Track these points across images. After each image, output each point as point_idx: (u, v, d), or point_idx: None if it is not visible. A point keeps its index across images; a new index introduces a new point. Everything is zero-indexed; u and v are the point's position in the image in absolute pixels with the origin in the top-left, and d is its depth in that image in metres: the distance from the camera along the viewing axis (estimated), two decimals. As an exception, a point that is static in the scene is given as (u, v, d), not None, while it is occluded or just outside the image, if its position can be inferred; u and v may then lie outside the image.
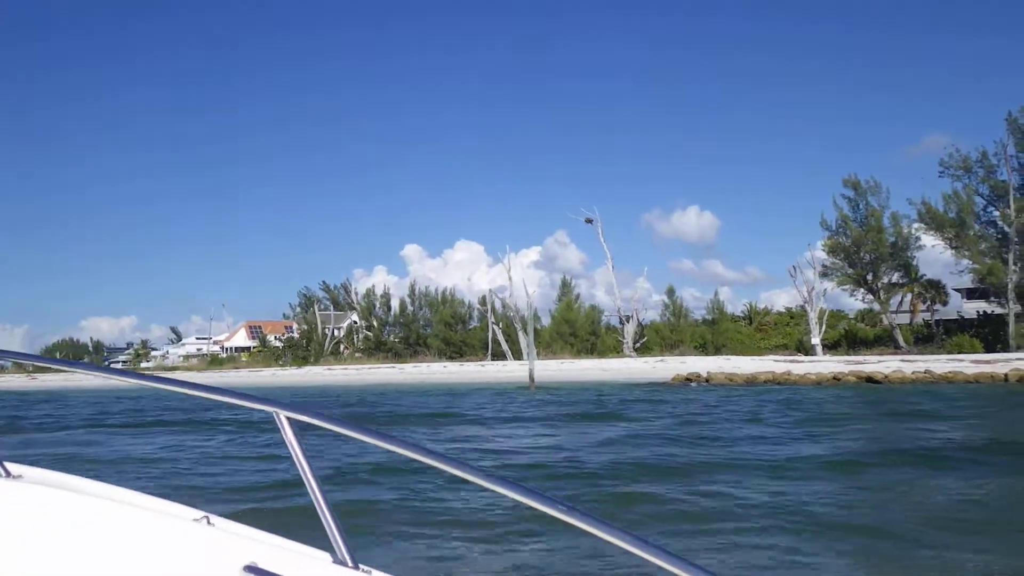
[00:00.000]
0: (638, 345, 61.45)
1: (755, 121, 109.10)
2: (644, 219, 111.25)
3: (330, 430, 1.59)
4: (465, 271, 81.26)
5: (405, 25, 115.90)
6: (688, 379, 34.20)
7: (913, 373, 29.58)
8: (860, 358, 42.75)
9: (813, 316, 51.50)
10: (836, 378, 30.57)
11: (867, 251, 50.94)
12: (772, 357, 47.71)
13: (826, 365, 37.86)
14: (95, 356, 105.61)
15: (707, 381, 33.60)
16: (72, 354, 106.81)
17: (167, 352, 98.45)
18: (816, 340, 50.70)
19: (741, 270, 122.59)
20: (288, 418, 1.60)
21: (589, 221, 63.80)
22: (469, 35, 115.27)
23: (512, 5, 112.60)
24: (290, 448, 1.60)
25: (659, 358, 51.36)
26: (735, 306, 66.53)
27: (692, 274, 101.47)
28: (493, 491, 1.40)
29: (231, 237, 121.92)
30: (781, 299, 66.87)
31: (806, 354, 50.47)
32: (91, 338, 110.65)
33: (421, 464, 1.47)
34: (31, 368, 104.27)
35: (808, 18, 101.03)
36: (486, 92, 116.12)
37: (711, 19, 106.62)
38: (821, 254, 53.17)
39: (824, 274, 52.48)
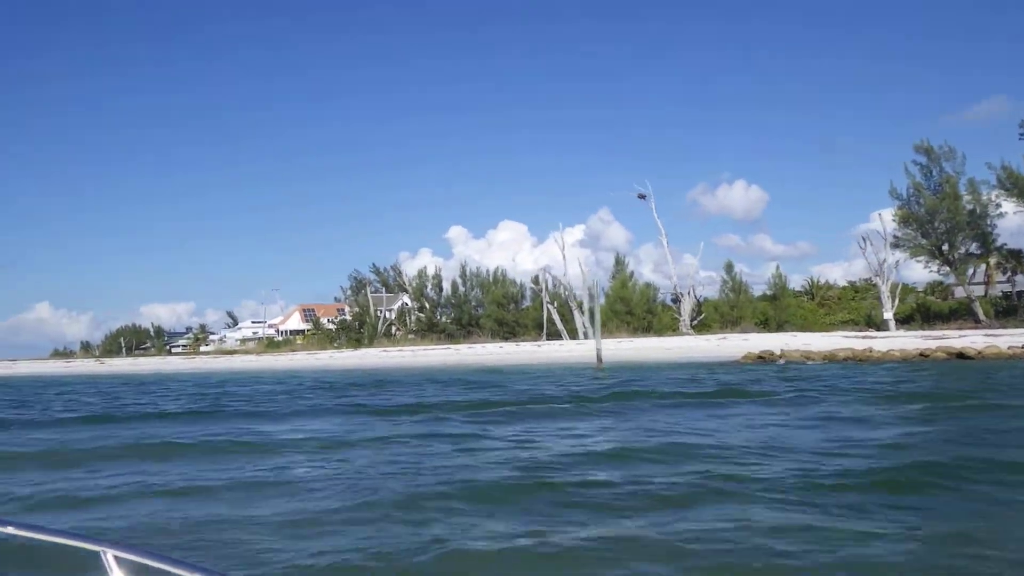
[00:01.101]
0: (695, 323, 59.86)
1: (802, 92, 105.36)
2: (689, 195, 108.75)
3: (159, 569, 1.41)
4: (509, 251, 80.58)
5: (448, 4, 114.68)
6: (761, 357, 32.74)
7: (1010, 348, 27.66)
8: (938, 333, 40.55)
9: (885, 290, 49.18)
10: (923, 355, 28.80)
11: (942, 220, 48.28)
12: (841, 333, 45.70)
13: (906, 341, 35.88)
14: (157, 341, 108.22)
15: (781, 359, 32.12)
16: (135, 339, 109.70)
17: (224, 336, 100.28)
18: (889, 315, 48.46)
19: (790, 244, 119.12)
20: (116, 557, 1.44)
21: (643, 196, 62.16)
22: (509, 13, 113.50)
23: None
24: None
25: (720, 335, 49.75)
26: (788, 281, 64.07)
27: (739, 249, 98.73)
28: None
29: (282, 224, 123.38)
30: (833, 273, 64.46)
31: (877, 329, 48.29)
32: (152, 324, 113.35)
33: None
34: (98, 352, 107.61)
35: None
36: (524, 69, 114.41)
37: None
38: (889, 224, 50.66)
39: (896, 245, 49.98)
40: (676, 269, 60.71)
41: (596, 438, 10.46)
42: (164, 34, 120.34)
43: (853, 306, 58.62)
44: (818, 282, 64.59)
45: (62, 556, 5.67)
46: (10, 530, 1.58)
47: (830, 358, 30.95)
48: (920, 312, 51.32)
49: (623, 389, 18.77)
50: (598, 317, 32.15)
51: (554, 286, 63.55)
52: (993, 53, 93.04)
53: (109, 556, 1.46)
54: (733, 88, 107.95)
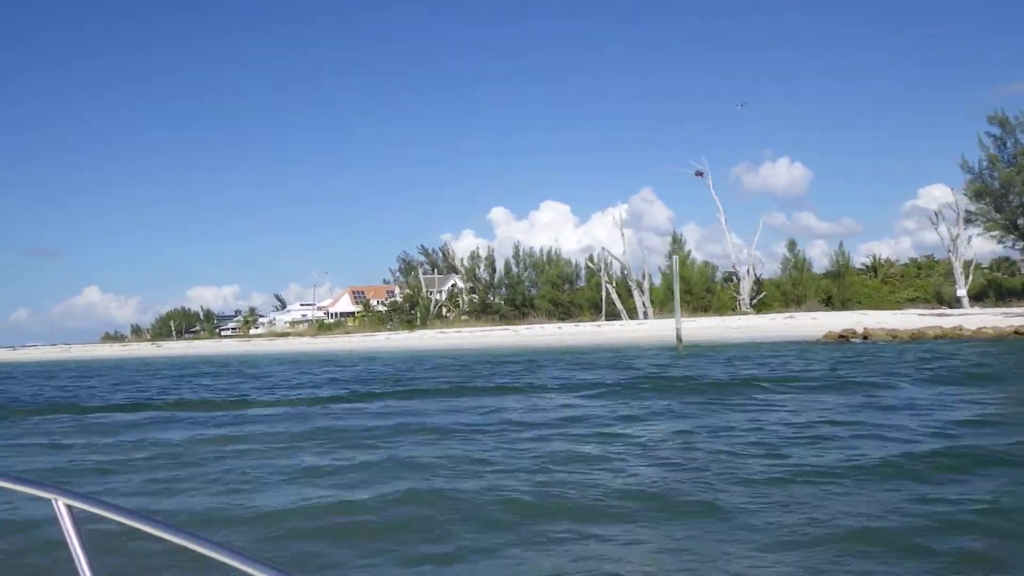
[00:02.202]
0: (754, 301, 59.14)
1: (844, 64, 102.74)
2: (732, 173, 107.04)
3: (114, 520, 1.41)
4: (552, 232, 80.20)
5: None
6: (843, 336, 32.18)
7: (1113, 325, 26.81)
8: (1019, 310, 39.49)
9: (958, 266, 47.94)
10: (1019, 332, 28.05)
11: (1017, 193, 46.80)
12: (913, 311, 44.77)
13: (986, 318, 35.00)
14: (207, 324, 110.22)
15: (864, 338, 31.53)
16: (185, 322, 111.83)
17: (274, 319, 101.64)
18: (962, 292, 47.31)
19: (836, 221, 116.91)
20: (67, 505, 1.43)
21: (700, 174, 61.30)
22: (548, 5, 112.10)
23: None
24: (68, 540, 1.41)
25: (787, 314, 49.04)
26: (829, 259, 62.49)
27: (783, 228, 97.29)
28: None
29: (324, 207, 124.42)
30: (882, 250, 62.94)
31: (949, 307, 47.19)
32: (201, 307, 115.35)
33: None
34: (149, 335, 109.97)
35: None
36: (561, 51, 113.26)
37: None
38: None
39: (968, 220, 48.62)
40: (718, 247, 60.12)
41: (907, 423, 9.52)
42: (218, 18, 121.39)
43: (918, 283, 57.38)
44: (879, 259, 63.30)
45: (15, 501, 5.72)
46: None
47: (918, 336, 30.30)
48: (992, 288, 50.02)
49: (751, 373, 18.51)
50: (677, 295, 31.82)
51: (604, 266, 63.22)
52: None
53: (60, 504, 1.44)
54: (772, 61, 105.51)
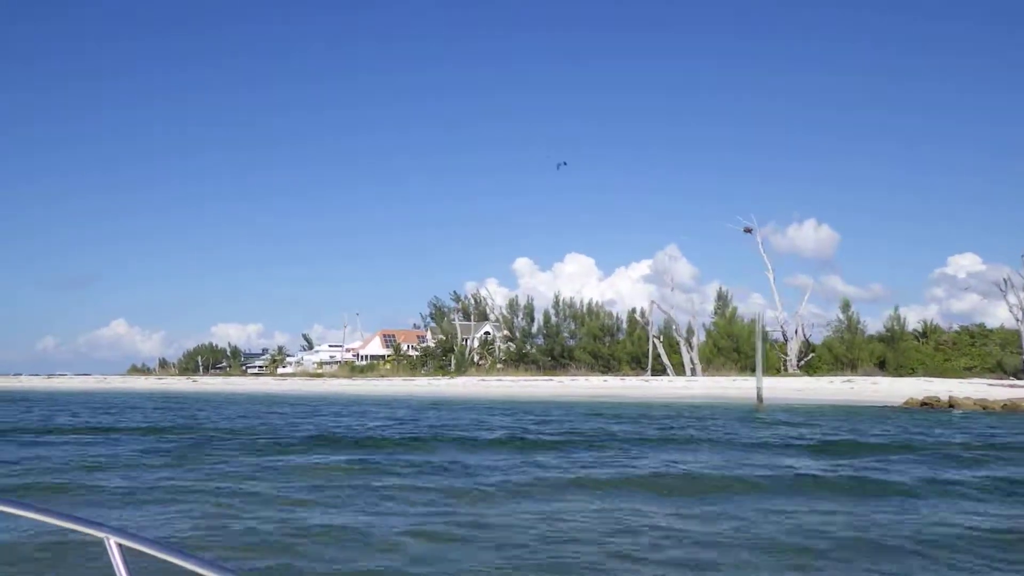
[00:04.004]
0: (801, 363, 57.73)
1: (879, 132, 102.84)
2: (760, 233, 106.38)
3: (166, 560, 1.46)
4: (576, 284, 79.56)
5: (525, 36, 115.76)
6: (927, 403, 30.83)
7: None
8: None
9: (1027, 335, 46.43)
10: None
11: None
12: (980, 381, 43.21)
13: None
14: (233, 361, 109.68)
15: (950, 407, 30.15)
16: (212, 359, 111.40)
17: (302, 359, 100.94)
18: (1031, 362, 45.68)
19: (864, 286, 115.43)
20: (118, 544, 1.48)
21: (748, 231, 60.63)
22: (583, 50, 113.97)
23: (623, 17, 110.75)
24: None
25: (844, 377, 47.59)
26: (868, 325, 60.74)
27: (806, 290, 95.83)
28: None
29: (351, 250, 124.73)
30: (911, 316, 61.56)
31: (1016, 377, 45.60)
32: (228, 343, 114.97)
33: None
34: (176, 370, 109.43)
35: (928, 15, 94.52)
36: (592, 104, 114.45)
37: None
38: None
39: (1037, 289, 47.32)
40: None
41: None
42: (264, 49, 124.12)
43: (973, 352, 55.76)
44: (930, 324, 61.77)
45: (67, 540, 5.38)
46: (18, 511, 1.62)
47: (1012, 408, 28.89)
48: (1058, 360, 48.39)
49: (885, 440, 17.35)
50: (760, 353, 30.69)
51: (644, 322, 62.12)
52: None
53: (112, 542, 1.48)
54: (807, 120, 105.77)
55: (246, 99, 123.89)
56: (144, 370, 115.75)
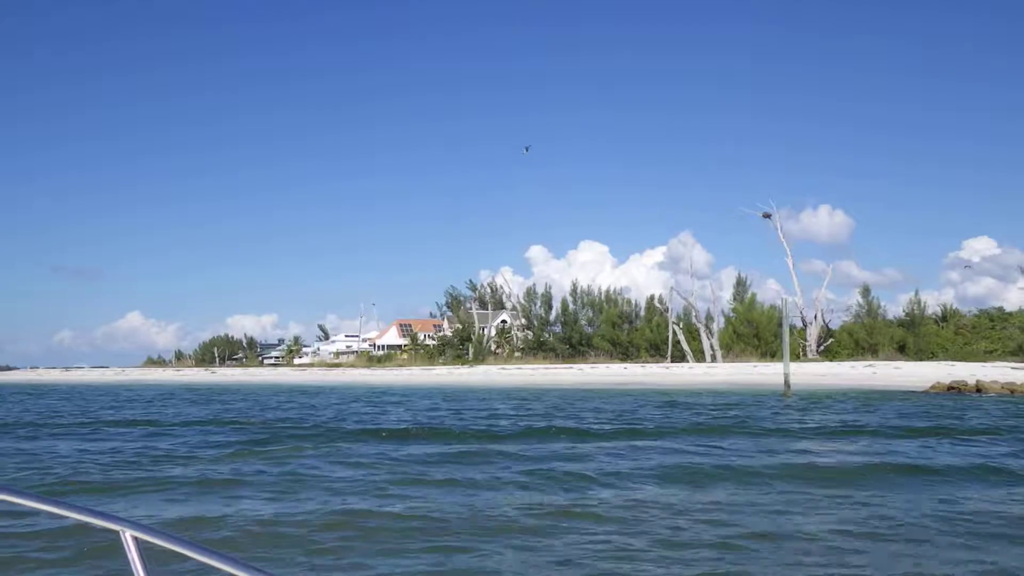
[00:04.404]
0: (821, 348, 57.87)
1: (890, 117, 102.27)
2: (774, 217, 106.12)
3: (180, 553, 1.48)
4: (590, 272, 79.66)
5: (533, 29, 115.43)
6: (954, 388, 31.00)
7: None
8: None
9: (1051, 319, 46.34)
10: None
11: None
12: (1004, 364, 43.26)
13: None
14: (249, 352, 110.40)
15: (978, 391, 30.31)
16: (228, 350, 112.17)
17: (318, 349, 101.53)
18: (1055, 345, 45.66)
19: (878, 271, 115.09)
20: (134, 537, 1.50)
21: (767, 216, 60.76)
22: (590, 42, 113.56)
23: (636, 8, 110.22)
24: (134, 570, 1.49)
25: (865, 362, 47.74)
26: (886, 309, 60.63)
27: (824, 275, 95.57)
28: None
29: (364, 240, 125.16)
30: (929, 301, 61.61)
31: (1037, 360, 45.58)
32: (245, 335, 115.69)
33: None
34: (192, 361, 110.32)
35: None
36: (605, 94, 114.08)
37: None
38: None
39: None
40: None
41: None
42: (276, 49, 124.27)
43: (993, 335, 55.75)
44: (949, 308, 61.74)
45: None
46: (33, 504, 1.64)
47: (1041, 391, 29.04)
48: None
49: (926, 422, 17.61)
50: (786, 338, 30.87)
51: (667, 309, 62.29)
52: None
53: (127, 535, 1.49)
54: (821, 110, 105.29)
55: (262, 94, 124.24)
56: (161, 362, 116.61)
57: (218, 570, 1.45)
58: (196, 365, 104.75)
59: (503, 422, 18.20)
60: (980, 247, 79.49)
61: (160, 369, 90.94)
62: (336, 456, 11.58)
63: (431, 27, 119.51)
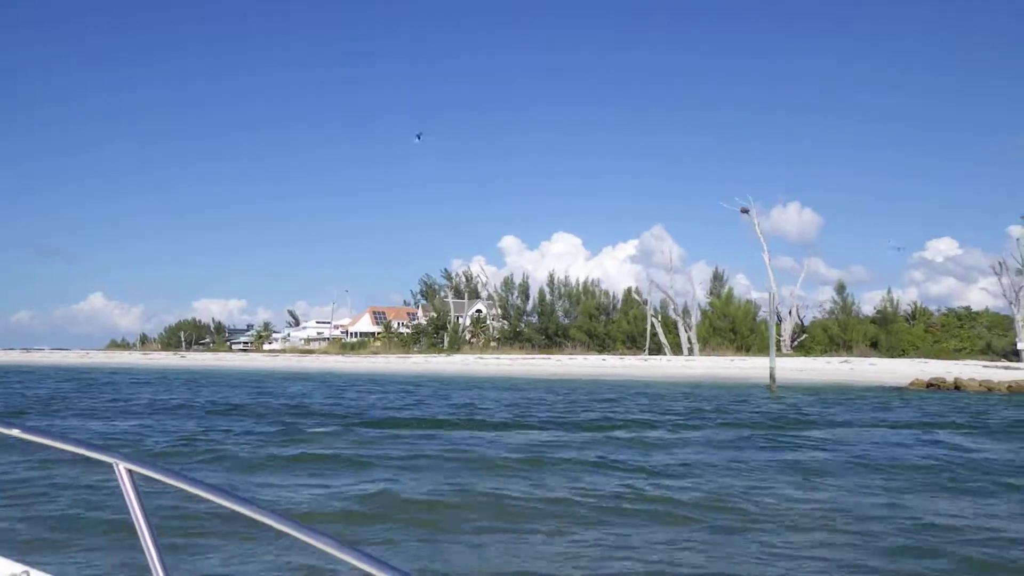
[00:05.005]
0: (795, 343, 58.58)
1: (861, 120, 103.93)
2: (755, 213, 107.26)
3: (172, 485, 1.52)
4: (563, 263, 79.76)
5: (502, 23, 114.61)
6: (933, 384, 31.50)
7: None
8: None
9: (1020, 318, 47.51)
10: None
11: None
12: (975, 362, 44.18)
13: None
14: (217, 337, 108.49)
15: (956, 388, 30.84)
16: (195, 334, 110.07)
17: (288, 335, 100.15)
18: (1023, 344, 46.80)
19: (844, 268, 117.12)
20: (128, 470, 1.54)
21: (745, 211, 61.12)
22: (564, 37, 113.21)
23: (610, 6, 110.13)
24: (128, 502, 1.52)
25: (841, 358, 48.42)
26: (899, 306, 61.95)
27: (792, 272, 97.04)
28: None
29: (333, 228, 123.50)
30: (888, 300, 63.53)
31: (1006, 359, 46.68)
32: (212, 319, 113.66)
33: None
34: (158, 345, 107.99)
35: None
36: (578, 88, 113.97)
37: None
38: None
39: (1029, 272, 48.36)
40: (772, 287, 59.45)
41: None
42: (242, 38, 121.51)
43: (962, 334, 56.94)
44: (919, 306, 62.93)
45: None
46: (29, 436, 1.69)
47: (1016, 389, 29.62)
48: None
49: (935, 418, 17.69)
50: (773, 333, 31.00)
51: (646, 301, 62.46)
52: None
53: (121, 468, 1.52)
54: (791, 104, 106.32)
55: (231, 83, 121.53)
56: (125, 345, 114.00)
57: (208, 500, 1.48)
58: (163, 349, 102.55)
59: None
60: (943, 248, 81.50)
61: (126, 352, 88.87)
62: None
63: (401, 19, 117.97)
